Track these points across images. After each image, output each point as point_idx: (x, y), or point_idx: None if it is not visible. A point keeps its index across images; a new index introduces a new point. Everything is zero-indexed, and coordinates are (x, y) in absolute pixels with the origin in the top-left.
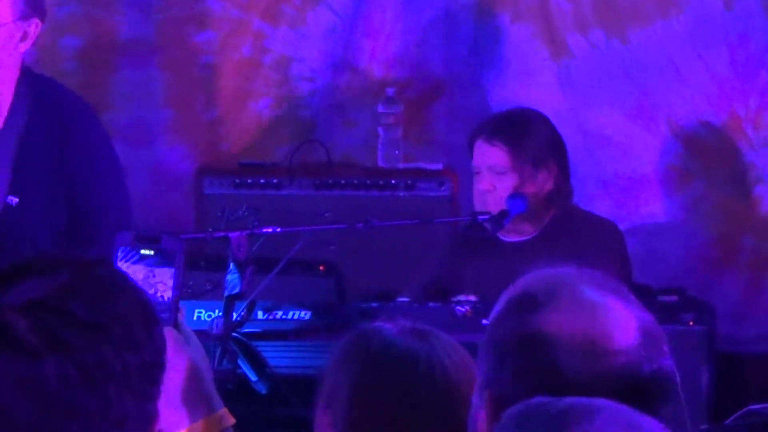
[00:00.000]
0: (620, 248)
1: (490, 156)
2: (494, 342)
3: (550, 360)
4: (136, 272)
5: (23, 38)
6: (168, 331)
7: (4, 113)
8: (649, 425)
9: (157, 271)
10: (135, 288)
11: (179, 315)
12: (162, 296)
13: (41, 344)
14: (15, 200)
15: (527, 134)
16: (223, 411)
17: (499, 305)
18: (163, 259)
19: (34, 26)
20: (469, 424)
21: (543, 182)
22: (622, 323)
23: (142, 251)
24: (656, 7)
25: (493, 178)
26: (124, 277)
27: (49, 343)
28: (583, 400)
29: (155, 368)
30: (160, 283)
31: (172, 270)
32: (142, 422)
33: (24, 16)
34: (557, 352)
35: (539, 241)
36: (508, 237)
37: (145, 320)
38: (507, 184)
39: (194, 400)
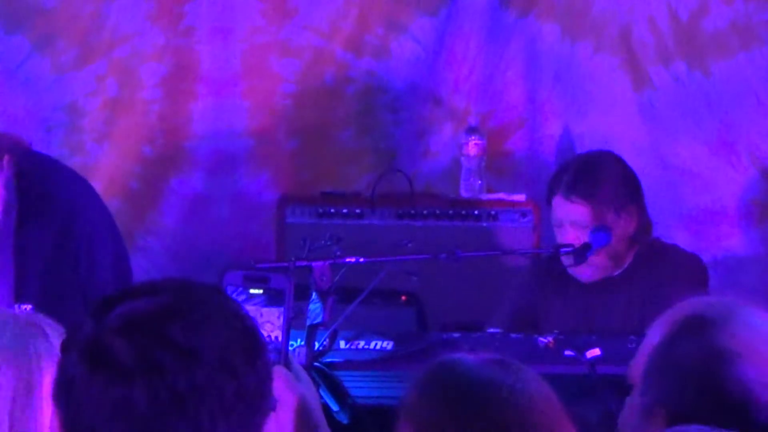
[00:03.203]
0: (702, 282)
1: (570, 212)
2: (670, 364)
3: (734, 375)
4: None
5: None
6: (278, 370)
7: None
8: None
9: (265, 311)
10: (241, 316)
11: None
12: (269, 335)
13: (135, 366)
14: (29, 308)
15: (603, 184)
16: None
17: (663, 330)
18: (271, 298)
19: (6, 162)
20: None
21: (626, 225)
22: None
23: (251, 291)
24: (739, 39)
25: (577, 232)
26: (231, 304)
27: (142, 365)
28: None
29: (256, 396)
30: (268, 323)
31: (280, 309)
32: None
33: None
34: (742, 367)
35: (623, 278)
36: (591, 277)
37: (248, 348)
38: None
39: None
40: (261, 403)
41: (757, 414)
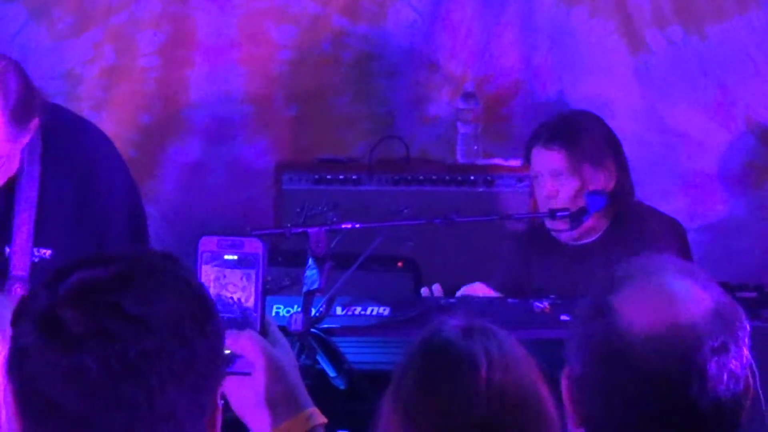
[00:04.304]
0: (681, 246)
1: (548, 160)
2: (573, 321)
3: (612, 326)
4: (207, 273)
5: (28, 133)
6: (250, 335)
7: (13, 169)
8: None
9: (227, 272)
10: (193, 284)
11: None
12: (232, 297)
13: (86, 334)
14: (48, 252)
15: (583, 135)
16: (312, 410)
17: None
18: (242, 261)
19: (34, 124)
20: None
21: (605, 182)
22: (693, 302)
23: (226, 257)
24: (735, 2)
25: (555, 183)
26: (183, 272)
27: (93, 333)
28: None
29: (208, 362)
30: (231, 284)
31: (243, 271)
32: (196, 414)
33: (19, 135)
34: (622, 319)
35: (603, 242)
36: (573, 239)
37: (198, 315)
38: (569, 187)
39: (280, 401)
40: (213, 368)
41: (635, 365)
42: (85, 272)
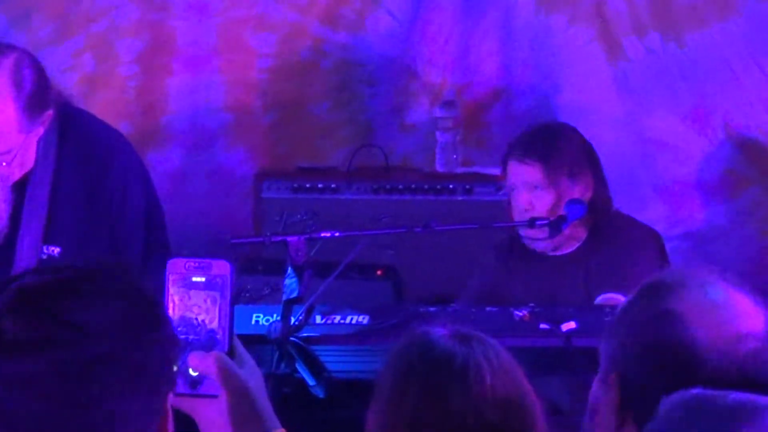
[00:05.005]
0: (659, 255)
1: (524, 173)
2: (622, 324)
3: (680, 334)
4: (172, 295)
5: (42, 125)
6: (216, 356)
7: (30, 164)
8: None
9: (192, 293)
10: (143, 290)
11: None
12: (196, 319)
13: (25, 341)
14: (57, 250)
15: (559, 147)
16: (280, 431)
17: (630, 294)
18: (209, 283)
19: (47, 116)
20: (588, 409)
21: (581, 194)
22: (749, 312)
23: (193, 278)
24: (714, 10)
25: (531, 196)
26: (132, 279)
27: (32, 340)
28: (748, 396)
29: (159, 367)
30: (195, 306)
31: (208, 293)
32: (146, 419)
33: (32, 127)
34: (688, 327)
35: (581, 253)
36: (551, 249)
37: (147, 324)
38: (545, 200)
39: (247, 423)
40: (163, 373)
41: (701, 373)
42: (25, 280)
